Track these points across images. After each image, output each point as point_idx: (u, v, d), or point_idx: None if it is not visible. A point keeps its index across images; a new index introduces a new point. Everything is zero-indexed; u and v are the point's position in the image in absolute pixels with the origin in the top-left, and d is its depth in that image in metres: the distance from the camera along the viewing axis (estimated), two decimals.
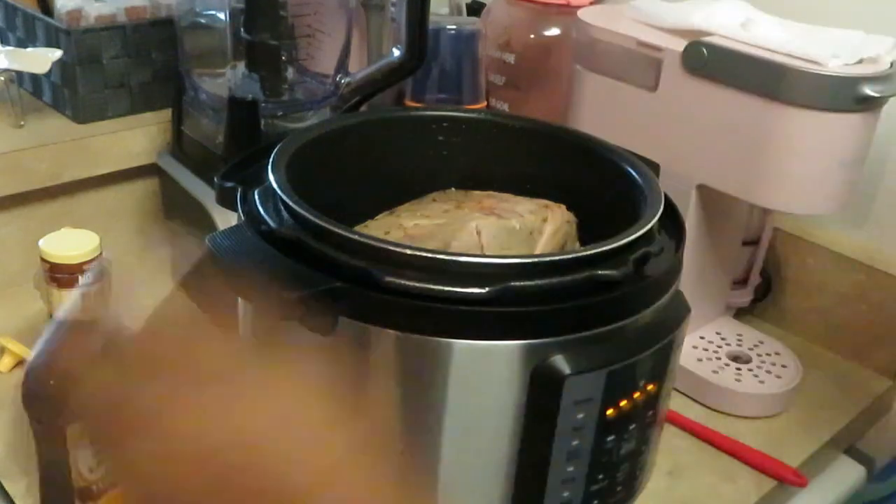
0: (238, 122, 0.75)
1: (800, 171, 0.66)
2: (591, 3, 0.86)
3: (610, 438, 0.49)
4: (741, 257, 0.84)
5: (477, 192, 0.65)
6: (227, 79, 0.79)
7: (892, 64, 0.66)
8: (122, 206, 0.94)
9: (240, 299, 0.54)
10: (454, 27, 0.87)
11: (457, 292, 0.44)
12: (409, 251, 0.45)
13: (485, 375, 0.46)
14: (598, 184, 0.61)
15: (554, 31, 0.89)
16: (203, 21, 0.82)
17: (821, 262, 0.87)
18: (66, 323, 0.35)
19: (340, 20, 0.82)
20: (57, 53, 0.83)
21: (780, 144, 0.66)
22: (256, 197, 0.51)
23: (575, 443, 0.47)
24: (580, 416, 0.47)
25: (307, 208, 0.48)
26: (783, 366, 0.79)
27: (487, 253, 0.55)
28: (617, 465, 0.50)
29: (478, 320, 0.45)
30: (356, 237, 0.46)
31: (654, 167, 0.70)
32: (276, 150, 0.55)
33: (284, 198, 0.49)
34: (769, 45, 0.66)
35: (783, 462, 0.70)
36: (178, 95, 0.84)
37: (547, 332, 0.45)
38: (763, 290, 0.89)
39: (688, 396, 0.77)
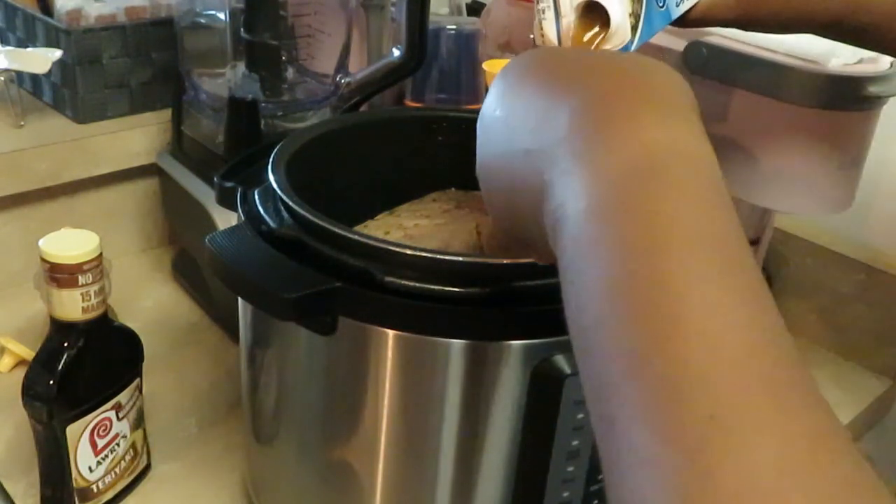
0: (238, 122, 0.75)
1: (800, 171, 0.66)
2: None
3: None
4: None
5: (477, 192, 0.65)
6: (227, 79, 0.79)
7: (892, 64, 0.66)
8: (122, 206, 0.94)
9: (240, 299, 0.55)
10: (454, 27, 0.87)
11: (457, 292, 0.44)
12: (409, 251, 0.45)
13: (485, 375, 0.46)
14: None
15: None
16: (203, 21, 0.82)
17: (821, 262, 0.87)
18: None
19: (340, 20, 0.82)
20: (57, 53, 0.83)
21: (780, 144, 0.66)
22: (256, 197, 0.51)
23: (575, 443, 0.47)
24: (580, 416, 0.47)
25: (307, 208, 0.48)
26: None
27: (487, 253, 0.56)
28: None
29: (478, 320, 0.45)
30: (356, 237, 0.46)
31: None
32: (276, 150, 0.55)
33: (284, 198, 0.49)
34: (769, 44, 0.66)
35: None
36: (178, 95, 0.84)
37: (547, 332, 0.45)
38: None
39: None
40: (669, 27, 0.67)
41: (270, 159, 0.54)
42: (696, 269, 0.27)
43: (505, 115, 0.36)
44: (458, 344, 0.45)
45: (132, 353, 0.61)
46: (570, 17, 0.48)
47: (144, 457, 0.65)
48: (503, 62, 0.53)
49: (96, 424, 0.58)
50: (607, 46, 0.47)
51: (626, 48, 0.47)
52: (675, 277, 0.27)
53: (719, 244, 0.28)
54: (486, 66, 0.52)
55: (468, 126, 0.66)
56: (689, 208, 0.28)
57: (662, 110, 0.32)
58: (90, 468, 0.59)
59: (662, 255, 0.27)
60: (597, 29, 0.47)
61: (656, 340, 0.26)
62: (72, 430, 0.57)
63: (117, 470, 0.61)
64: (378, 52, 0.91)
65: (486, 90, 0.51)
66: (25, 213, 0.87)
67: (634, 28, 0.47)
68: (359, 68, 0.81)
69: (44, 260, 0.53)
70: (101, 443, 0.59)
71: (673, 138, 0.30)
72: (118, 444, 0.60)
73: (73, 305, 0.54)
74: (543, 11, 0.49)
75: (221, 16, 0.78)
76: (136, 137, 0.89)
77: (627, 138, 0.30)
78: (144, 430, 0.64)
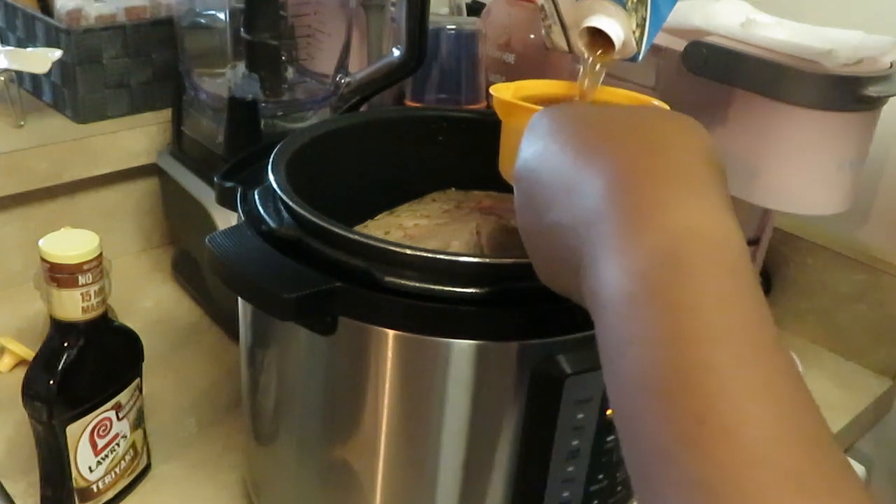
0: (238, 122, 0.75)
1: (800, 171, 0.66)
2: None
3: (610, 438, 0.49)
4: None
5: (477, 192, 0.65)
6: (227, 79, 0.79)
7: (892, 64, 0.66)
8: (122, 206, 0.94)
9: (240, 299, 0.55)
10: (454, 27, 0.87)
11: (457, 292, 0.44)
12: (409, 251, 0.45)
13: (485, 375, 0.46)
14: None
15: None
16: (203, 21, 0.82)
17: (821, 262, 0.87)
18: None
19: (340, 20, 0.82)
20: (57, 53, 0.84)
21: (780, 144, 0.66)
22: (256, 197, 0.51)
23: (575, 443, 0.47)
24: (580, 416, 0.47)
25: (307, 208, 0.48)
26: None
27: (487, 253, 0.56)
28: (617, 465, 0.50)
29: (478, 320, 0.45)
30: (356, 237, 0.46)
31: None
32: (276, 150, 0.55)
33: (284, 198, 0.49)
34: (769, 45, 0.66)
35: None
36: (178, 95, 0.84)
37: (547, 332, 0.45)
38: (763, 290, 0.89)
39: None
40: (669, 28, 0.68)
41: (270, 159, 0.54)
42: (719, 364, 0.27)
43: (535, 182, 0.37)
44: (457, 344, 0.45)
45: (132, 353, 0.61)
46: (575, 29, 0.49)
47: (144, 457, 0.65)
48: (509, 86, 0.54)
49: (96, 424, 0.58)
50: (617, 58, 0.49)
51: (634, 57, 0.49)
52: (699, 374, 0.27)
53: (741, 334, 0.28)
54: (493, 90, 0.53)
55: (468, 126, 0.66)
56: (711, 299, 0.29)
57: (684, 189, 0.33)
58: (90, 468, 0.59)
59: (687, 350, 0.28)
60: (604, 42, 0.48)
61: (685, 440, 0.26)
62: (72, 430, 0.57)
63: (117, 470, 0.61)
64: (378, 52, 0.91)
65: (490, 105, 0.53)
66: (25, 213, 0.87)
67: (640, 39, 0.48)
68: (359, 68, 0.81)
69: (44, 260, 0.53)
70: (101, 443, 0.59)
71: (694, 222, 0.31)
72: (118, 444, 0.60)
73: (73, 305, 0.54)
74: (550, 26, 0.50)
75: (221, 16, 0.78)
76: (136, 137, 0.89)
77: (650, 227, 0.31)
78: (144, 430, 0.64)
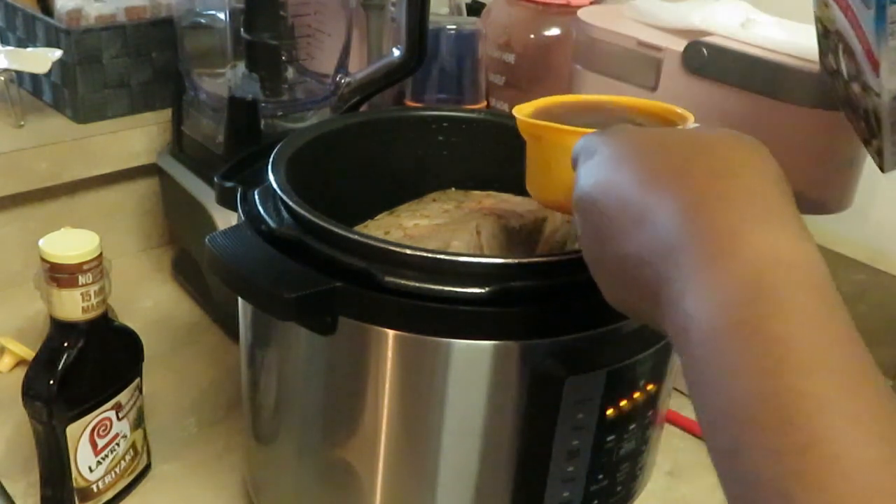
0: (238, 122, 0.75)
1: (800, 170, 0.66)
2: (591, 3, 0.86)
3: (610, 438, 0.49)
4: None
5: (477, 192, 0.65)
6: (227, 79, 0.79)
7: None
8: (122, 206, 0.94)
9: (240, 299, 0.55)
10: (454, 27, 0.87)
11: (457, 292, 0.44)
12: (409, 251, 0.45)
13: (485, 375, 0.46)
14: None
15: (554, 31, 0.89)
16: (203, 21, 0.82)
17: None
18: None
19: (340, 20, 0.82)
20: (57, 53, 0.84)
21: (780, 144, 0.66)
22: (256, 197, 0.51)
23: (575, 443, 0.47)
24: (580, 416, 0.47)
25: (307, 208, 0.48)
26: None
27: (487, 253, 0.56)
28: (617, 465, 0.50)
29: (477, 320, 0.45)
30: (356, 237, 0.46)
31: None
32: (276, 150, 0.55)
33: (284, 198, 0.49)
34: (769, 45, 0.66)
35: None
36: (178, 95, 0.84)
37: (547, 333, 0.45)
38: None
39: (688, 396, 0.77)
40: (669, 28, 0.67)
41: (270, 159, 0.54)
42: (820, 393, 0.27)
43: (600, 213, 0.37)
44: (457, 344, 0.45)
45: (132, 353, 0.61)
46: None
47: (144, 457, 0.65)
48: (529, 106, 0.53)
49: (96, 424, 0.58)
50: None
51: None
52: (800, 404, 0.27)
53: (838, 361, 0.29)
54: (516, 111, 0.51)
55: (468, 126, 0.67)
56: (804, 328, 0.29)
57: (761, 214, 0.32)
58: (90, 468, 0.59)
59: (785, 381, 0.28)
60: None
61: (792, 472, 0.26)
62: (72, 430, 0.57)
63: (117, 470, 0.61)
64: (378, 52, 0.91)
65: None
66: (25, 213, 0.87)
67: None
68: (359, 68, 0.81)
69: (44, 260, 0.53)
70: (101, 443, 0.59)
71: (776, 249, 0.31)
72: (118, 444, 0.60)
73: (73, 305, 0.54)
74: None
75: (221, 16, 0.78)
76: (136, 137, 0.89)
77: (733, 256, 0.31)
78: (144, 430, 0.64)
